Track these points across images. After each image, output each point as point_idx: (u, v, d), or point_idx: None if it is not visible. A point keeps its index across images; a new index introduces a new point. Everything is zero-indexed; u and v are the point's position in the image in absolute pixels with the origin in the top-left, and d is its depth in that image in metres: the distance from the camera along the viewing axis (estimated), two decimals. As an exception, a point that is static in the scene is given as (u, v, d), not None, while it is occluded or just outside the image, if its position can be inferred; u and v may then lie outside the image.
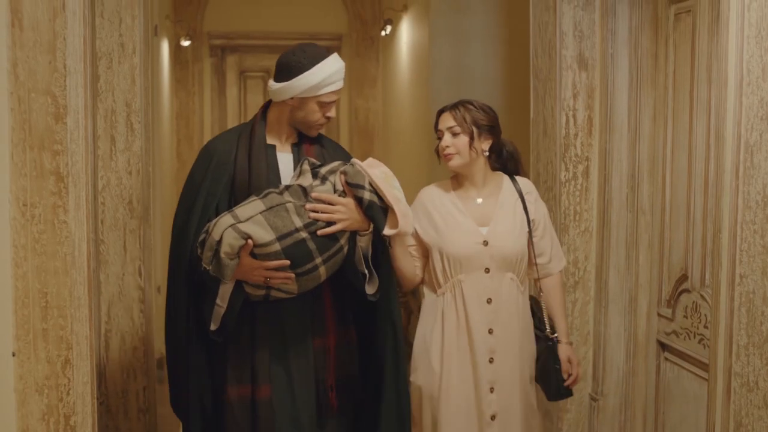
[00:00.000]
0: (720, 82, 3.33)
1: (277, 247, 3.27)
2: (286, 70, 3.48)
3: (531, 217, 3.77)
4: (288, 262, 3.28)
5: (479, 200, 3.77)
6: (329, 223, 3.33)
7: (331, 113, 3.55)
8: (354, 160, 3.50)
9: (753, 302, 3.21)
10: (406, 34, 8.55)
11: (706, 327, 3.97)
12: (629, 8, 4.41)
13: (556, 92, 4.55)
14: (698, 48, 4.01)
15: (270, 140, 3.57)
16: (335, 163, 3.48)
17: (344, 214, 3.36)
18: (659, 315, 4.43)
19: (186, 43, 9.90)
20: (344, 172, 3.42)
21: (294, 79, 3.45)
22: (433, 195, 3.84)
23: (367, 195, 3.38)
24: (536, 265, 3.81)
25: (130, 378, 4.85)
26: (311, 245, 3.30)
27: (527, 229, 3.76)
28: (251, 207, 3.31)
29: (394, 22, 9.08)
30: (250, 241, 3.25)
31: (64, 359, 2.86)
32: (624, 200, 4.56)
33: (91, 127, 4.49)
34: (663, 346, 4.41)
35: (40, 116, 2.72)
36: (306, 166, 3.46)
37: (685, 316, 4.17)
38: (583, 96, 4.52)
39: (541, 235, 3.82)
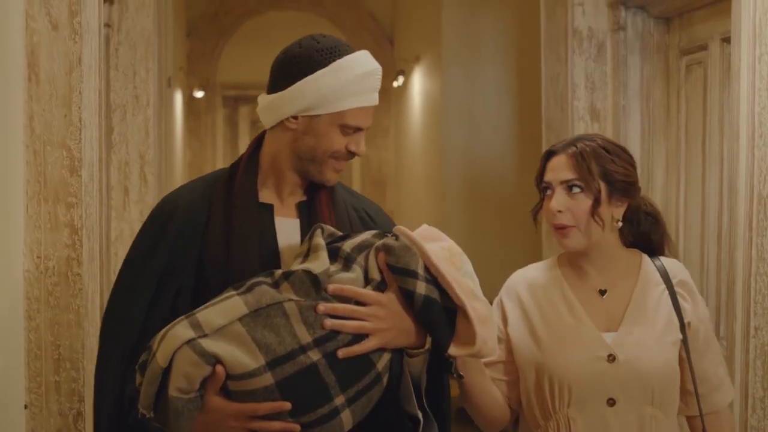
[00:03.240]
0: (732, 134, 3.33)
1: (268, 379, 1.94)
2: (286, 70, 2.18)
3: (686, 320, 2.45)
4: (288, 405, 1.95)
5: (603, 291, 2.46)
6: (357, 337, 2.00)
7: (360, 146, 2.22)
8: (399, 228, 2.13)
9: (768, 354, 3.19)
10: (418, 84, 8.60)
11: (721, 379, 3.94)
12: (641, 60, 4.43)
13: (568, 143, 4.55)
14: (710, 99, 4.01)
15: (264, 197, 2.24)
16: (366, 234, 2.14)
17: (384, 320, 2.02)
18: (674, 367, 4.39)
19: (199, 94, 9.98)
20: (384, 249, 2.08)
21: (300, 82, 2.14)
22: (532, 283, 2.51)
23: (421, 287, 2.05)
24: (696, 395, 2.46)
25: (141, 430, 4.82)
26: (327, 376, 1.98)
27: (680, 337, 2.44)
28: (225, 309, 1.99)
29: (406, 72, 9.15)
30: (219, 367, 1.93)
31: (76, 412, 2.85)
32: (637, 251, 4.55)
33: (105, 179, 4.52)
34: (678, 398, 4.37)
35: (55, 169, 2.74)
36: (319, 239, 2.10)
37: (700, 368, 4.13)
38: (596, 147, 4.51)
39: (702, 350, 2.47)
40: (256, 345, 1.95)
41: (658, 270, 2.49)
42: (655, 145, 4.45)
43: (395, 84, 9.61)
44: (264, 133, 2.27)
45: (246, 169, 2.23)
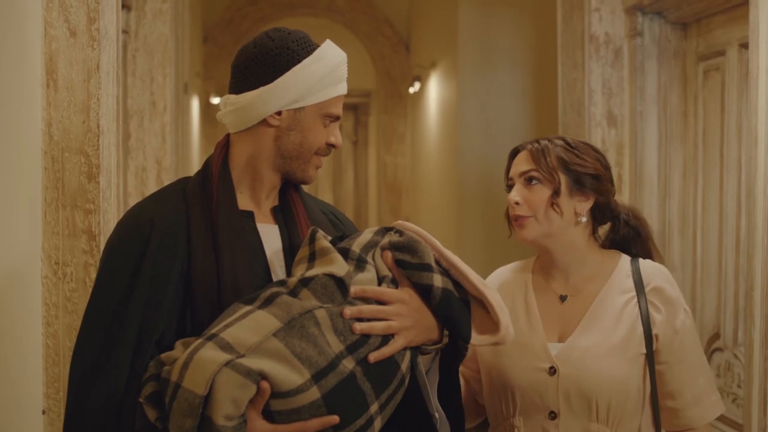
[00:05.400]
0: (750, 140, 3.31)
1: (315, 394, 1.83)
2: (266, 64, 2.08)
3: (654, 331, 2.30)
4: (336, 419, 1.84)
5: (564, 297, 2.38)
6: (385, 339, 1.93)
7: (339, 138, 2.17)
8: (402, 223, 2.10)
9: (787, 361, 3.17)
10: (434, 90, 8.60)
11: (739, 386, 3.92)
12: (658, 66, 4.42)
13: (585, 149, 4.55)
14: (728, 105, 4.00)
15: (242, 204, 2.12)
16: (366, 233, 2.07)
17: (407, 318, 1.97)
18: (691, 373, 4.38)
19: (216, 99, 9.99)
20: (393, 246, 2.03)
21: (287, 74, 2.07)
22: (504, 283, 2.47)
23: (438, 280, 2.01)
24: (654, 409, 2.33)
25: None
26: (363, 384, 1.88)
27: (643, 351, 2.29)
28: (252, 325, 1.86)
29: (422, 78, 9.14)
30: (264, 383, 1.80)
31: (93, 418, 2.85)
32: (654, 257, 4.53)
33: (122, 185, 4.53)
34: (695, 405, 4.36)
35: (73, 175, 2.74)
36: (325, 242, 2.00)
37: (718, 375, 4.12)
38: (613, 153, 4.51)
39: (673, 362, 2.32)
40: (297, 359, 1.82)
41: (633, 275, 2.36)
42: (673, 150, 4.44)
43: (411, 90, 9.61)
44: (227, 140, 2.17)
45: (221, 176, 2.10)
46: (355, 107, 11.07)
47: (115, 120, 2.86)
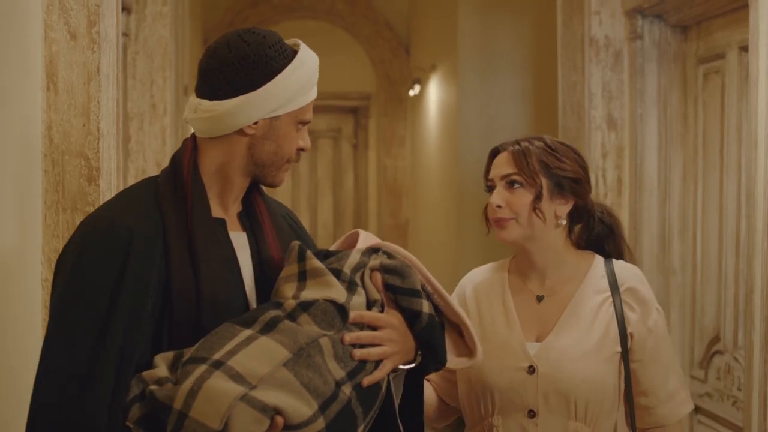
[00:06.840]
0: (750, 142, 3.32)
1: (321, 424, 1.83)
2: (245, 72, 1.98)
3: (629, 330, 2.35)
4: None
5: (541, 297, 2.42)
6: (377, 364, 1.96)
7: (308, 141, 2.11)
8: (391, 245, 2.10)
9: (787, 364, 3.17)
10: (434, 93, 8.59)
11: (739, 389, 3.92)
12: (658, 68, 4.42)
13: (585, 152, 4.55)
14: (728, 108, 4.00)
15: (213, 211, 2.04)
16: (355, 254, 2.04)
17: (396, 343, 2.00)
18: (691, 377, 4.37)
19: (216, 103, 9.99)
20: (385, 269, 2.03)
21: (271, 83, 1.99)
22: (479, 284, 2.50)
23: (425, 306, 2.03)
24: (630, 406, 2.38)
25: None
26: (356, 408, 1.91)
27: (618, 350, 2.35)
28: (261, 353, 1.84)
29: (422, 81, 9.14)
30: (279, 419, 1.79)
31: (93, 420, 2.85)
32: (654, 260, 4.53)
33: (123, 188, 4.53)
34: (696, 409, 4.35)
35: (73, 178, 2.74)
36: (316, 261, 1.99)
37: (718, 378, 4.12)
38: (613, 156, 4.51)
39: (646, 360, 2.37)
40: (306, 389, 1.82)
41: (607, 276, 2.41)
42: (673, 153, 4.44)
43: (411, 93, 9.60)
44: (193, 142, 2.07)
45: (193, 182, 2.02)
46: (355, 110, 11.07)
47: (115, 123, 2.86)
